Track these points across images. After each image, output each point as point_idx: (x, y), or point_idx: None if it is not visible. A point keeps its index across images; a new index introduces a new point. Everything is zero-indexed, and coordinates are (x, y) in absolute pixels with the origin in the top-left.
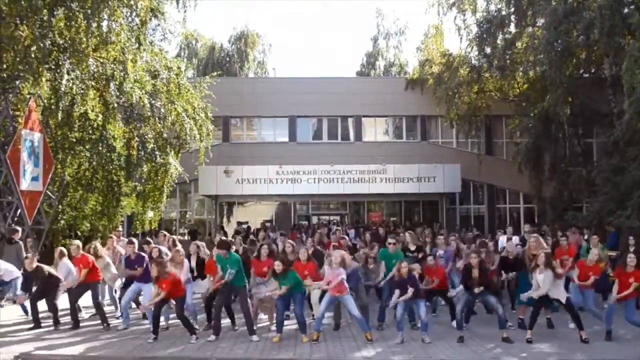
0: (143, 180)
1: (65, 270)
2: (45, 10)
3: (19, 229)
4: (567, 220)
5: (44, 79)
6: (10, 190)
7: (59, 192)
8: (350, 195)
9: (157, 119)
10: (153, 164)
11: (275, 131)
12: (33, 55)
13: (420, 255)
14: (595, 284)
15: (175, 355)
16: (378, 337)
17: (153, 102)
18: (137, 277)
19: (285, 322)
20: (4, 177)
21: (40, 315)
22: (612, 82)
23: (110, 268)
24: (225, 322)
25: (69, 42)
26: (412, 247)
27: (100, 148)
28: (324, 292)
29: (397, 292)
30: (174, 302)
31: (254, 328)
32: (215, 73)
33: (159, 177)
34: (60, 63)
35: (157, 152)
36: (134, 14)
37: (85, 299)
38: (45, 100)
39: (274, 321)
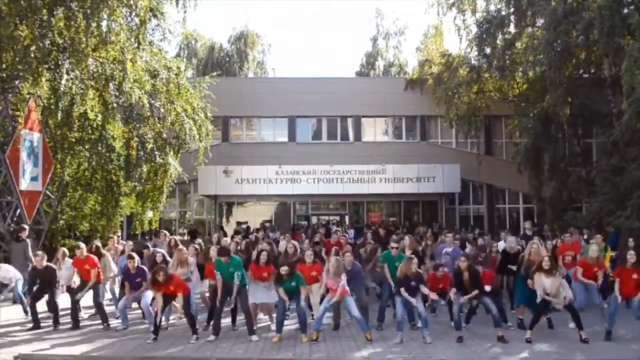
0: (142, 181)
1: (70, 270)
2: (44, 10)
3: (26, 227)
4: (566, 221)
5: (43, 79)
6: (10, 190)
7: (58, 192)
8: (349, 195)
9: (156, 119)
10: (152, 164)
11: (274, 131)
12: (32, 55)
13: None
14: (598, 280)
15: (174, 355)
16: (377, 337)
17: (152, 102)
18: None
19: (285, 322)
20: (3, 177)
21: (40, 316)
22: (612, 82)
23: (112, 267)
24: (225, 322)
25: (69, 42)
26: (408, 252)
27: (99, 148)
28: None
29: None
30: (175, 303)
31: (254, 328)
32: (215, 73)
33: (158, 177)
34: (60, 63)
35: (156, 152)
36: (134, 13)
37: (85, 299)
38: (45, 100)
39: (274, 321)
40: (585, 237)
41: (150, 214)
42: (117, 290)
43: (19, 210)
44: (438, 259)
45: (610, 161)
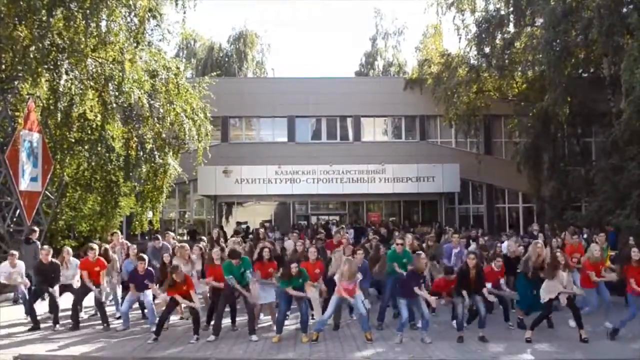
0: (142, 181)
1: (75, 268)
2: (44, 11)
3: (37, 229)
4: (566, 220)
5: (42, 79)
6: (10, 190)
7: (57, 192)
8: (349, 195)
9: (155, 119)
10: (152, 164)
11: (274, 131)
12: (32, 56)
13: None
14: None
15: (174, 356)
16: (378, 337)
17: (152, 102)
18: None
19: (285, 322)
20: (2, 178)
21: (40, 317)
22: (611, 81)
23: (116, 265)
24: (225, 322)
25: (68, 42)
26: None
27: (99, 148)
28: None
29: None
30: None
31: (255, 328)
32: (214, 73)
33: (157, 178)
34: (59, 63)
35: (156, 153)
36: (133, 14)
37: (85, 299)
38: (44, 101)
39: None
40: (585, 236)
41: (150, 214)
42: (119, 293)
43: (18, 211)
44: (442, 259)
45: (609, 160)
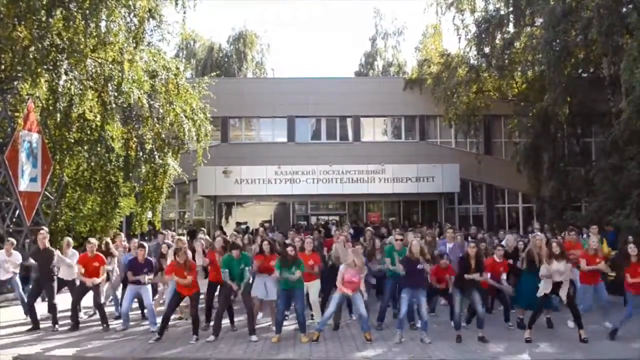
0: (141, 181)
1: (74, 258)
2: (43, 11)
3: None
4: (565, 220)
5: (42, 80)
6: (9, 191)
7: (57, 192)
8: (349, 195)
9: (155, 119)
10: (152, 164)
11: (273, 131)
12: (31, 56)
13: None
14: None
15: (174, 356)
16: (378, 337)
17: (151, 102)
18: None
19: (285, 322)
20: (2, 178)
21: (39, 317)
22: (611, 81)
23: (116, 263)
24: (225, 322)
25: (67, 42)
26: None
27: (98, 149)
28: (324, 291)
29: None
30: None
31: (254, 328)
32: (214, 73)
33: (157, 178)
34: (59, 64)
35: (155, 153)
36: (132, 14)
37: (85, 299)
38: (44, 101)
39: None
40: (585, 236)
41: (149, 214)
42: (119, 293)
43: (18, 212)
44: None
45: (609, 160)
